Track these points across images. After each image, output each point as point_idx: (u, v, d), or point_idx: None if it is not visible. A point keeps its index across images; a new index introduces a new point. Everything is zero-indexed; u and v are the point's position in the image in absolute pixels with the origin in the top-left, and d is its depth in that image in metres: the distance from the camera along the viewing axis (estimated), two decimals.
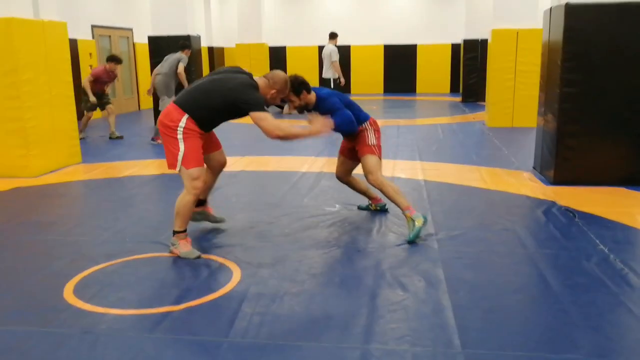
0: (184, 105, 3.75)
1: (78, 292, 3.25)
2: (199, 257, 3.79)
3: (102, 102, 9.31)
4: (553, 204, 4.94)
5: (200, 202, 4.27)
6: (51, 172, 6.56)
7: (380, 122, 8.76)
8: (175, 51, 9.08)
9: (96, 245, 4.05)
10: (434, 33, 18.57)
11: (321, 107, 4.26)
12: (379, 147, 4.43)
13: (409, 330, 2.77)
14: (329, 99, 4.28)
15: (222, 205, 5.15)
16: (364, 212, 4.80)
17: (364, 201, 4.91)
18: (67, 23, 6.99)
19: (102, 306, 3.06)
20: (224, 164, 4.25)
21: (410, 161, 7.03)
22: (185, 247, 3.83)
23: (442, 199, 5.22)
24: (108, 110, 9.41)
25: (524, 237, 4.10)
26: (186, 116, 3.71)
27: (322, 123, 3.85)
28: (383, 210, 4.78)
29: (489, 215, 4.74)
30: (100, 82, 9.18)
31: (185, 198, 3.82)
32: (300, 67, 19.04)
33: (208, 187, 4.29)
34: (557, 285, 3.27)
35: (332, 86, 11.05)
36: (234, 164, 7.06)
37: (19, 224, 4.61)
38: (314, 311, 3.02)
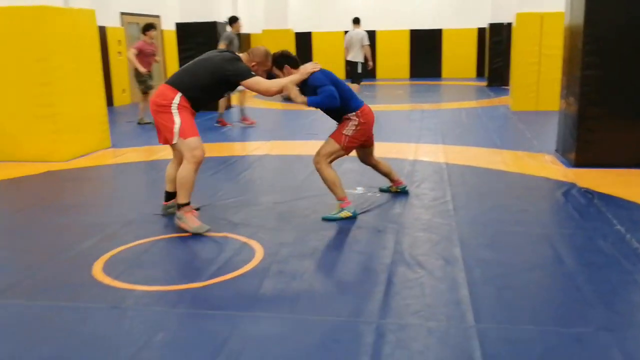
0: (178, 85, 3.96)
1: (106, 269, 3.40)
2: (208, 230, 3.94)
3: (148, 84, 9.33)
4: (573, 185, 4.95)
5: (171, 196, 4.36)
6: (81, 156, 6.77)
7: (405, 107, 8.85)
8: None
9: (124, 225, 4.20)
10: (460, 17, 18.37)
11: (307, 82, 4.20)
12: (354, 139, 4.30)
13: (424, 305, 2.85)
14: (314, 76, 4.18)
15: (246, 187, 5.28)
16: (386, 194, 4.87)
17: (386, 183, 4.98)
18: (96, 11, 7.17)
19: (129, 283, 3.20)
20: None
21: (433, 145, 7.06)
22: (193, 222, 3.96)
23: (463, 181, 5.26)
24: (149, 95, 9.52)
25: (542, 218, 4.14)
26: (179, 94, 3.93)
27: (297, 77, 4.12)
28: (404, 192, 4.85)
29: (508, 196, 4.77)
30: (145, 54, 9.20)
31: (186, 168, 3.95)
32: (326, 52, 19.08)
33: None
34: (571, 263, 3.32)
35: (359, 70, 11.06)
36: (258, 148, 7.19)
37: (51, 206, 4.80)
38: (332, 288, 3.12)
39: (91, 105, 7.03)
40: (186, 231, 3.98)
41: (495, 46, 14.72)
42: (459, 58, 18.49)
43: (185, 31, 10.85)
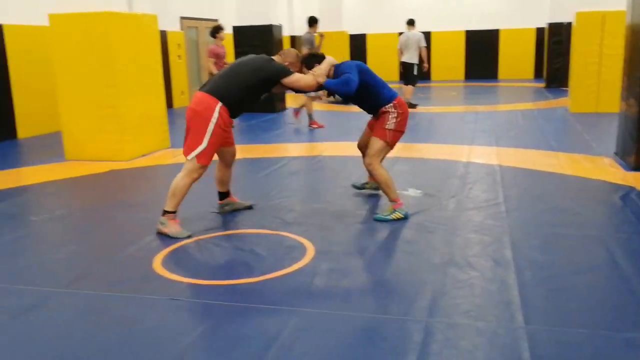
0: (217, 93, 3.96)
1: (165, 264, 3.56)
2: (189, 236, 3.99)
3: None
4: (632, 189, 4.81)
5: (224, 195, 4.54)
6: (142, 156, 7.05)
7: (459, 109, 8.78)
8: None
9: (183, 222, 4.37)
10: (518, 17, 17.99)
11: (337, 73, 4.25)
12: (397, 132, 4.31)
13: (473, 306, 2.87)
14: (343, 64, 4.24)
15: (299, 188, 5.39)
16: (438, 196, 4.86)
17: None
18: (158, 15, 7.45)
19: (186, 277, 3.34)
20: (234, 156, 4.47)
21: (487, 147, 6.98)
22: (175, 227, 4.02)
23: (516, 183, 5.20)
24: None
25: (597, 221, 4.06)
26: (219, 104, 3.93)
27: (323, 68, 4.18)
28: (376, 189, 4.88)
29: (563, 199, 4.68)
30: (220, 57, 9.27)
31: (183, 180, 4.00)
32: (381, 54, 19.06)
33: (227, 179, 4.51)
34: (627, 267, 3.25)
35: (415, 72, 11.01)
36: (312, 148, 7.30)
37: (114, 203, 5.04)
38: (382, 286, 3.17)
39: (152, 107, 7.31)
40: (245, 229, 4.12)
41: (554, 46, 14.36)
42: (516, 59, 18.11)
43: (242, 34, 11.11)
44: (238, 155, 7.12)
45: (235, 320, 2.81)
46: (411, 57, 11.00)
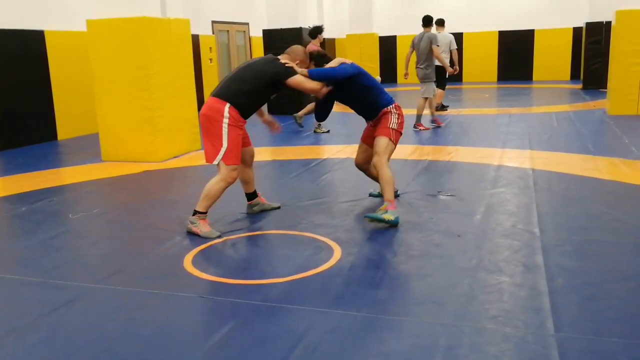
0: (224, 96, 3.98)
1: (196, 262, 3.62)
2: (219, 236, 4.03)
3: None
4: None
5: (252, 195, 4.58)
6: (174, 157, 7.17)
7: (491, 111, 8.68)
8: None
9: (213, 222, 4.43)
10: (554, 17, 17.68)
11: None
12: (399, 132, 4.41)
13: (502, 311, 2.83)
14: (343, 65, 4.28)
15: (326, 189, 5.41)
16: (468, 199, 4.83)
17: (377, 188, 4.98)
18: (190, 20, 7.57)
19: (216, 275, 3.40)
20: (253, 156, 4.49)
21: (520, 150, 6.89)
22: (205, 227, 4.07)
23: (550, 187, 5.12)
24: None
25: (636, 227, 3.96)
26: (228, 105, 3.95)
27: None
28: (396, 196, 4.84)
29: (598, 204, 4.59)
30: None
31: (218, 184, 4.02)
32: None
33: (250, 179, 4.51)
34: None
35: (447, 75, 10.90)
36: (340, 151, 7.31)
37: (148, 202, 5.15)
38: (409, 289, 3.16)
39: (184, 110, 7.43)
40: (276, 230, 4.15)
41: (592, 46, 14.06)
42: (551, 60, 17.80)
43: (272, 37, 11.20)
44: (269, 157, 7.24)
45: (261, 319, 2.84)
46: (439, 60, 10.90)
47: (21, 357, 2.55)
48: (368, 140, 4.65)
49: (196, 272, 3.45)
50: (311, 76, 4.12)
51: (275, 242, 4.02)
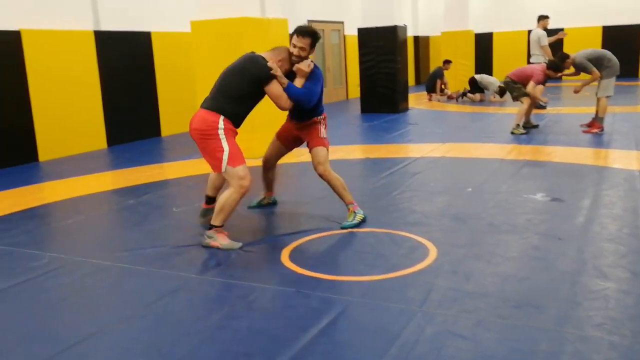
0: (216, 107, 3.84)
1: (292, 257, 3.72)
2: (241, 247, 3.90)
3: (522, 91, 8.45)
4: None
5: (211, 200, 4.38)
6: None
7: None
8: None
9: (308, 218, 4.54)
10: None
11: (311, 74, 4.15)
12: (327, 140, 4.38)
13: (608, 319, 2.72)
14: (316, 70, 4.13)
15: (420, 188, 5.37)
16: (569, 201, 4.64)
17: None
18: (288, 19, 7.75)
19: (311, 271, 3.47)
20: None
21: (625, 150, 6.52)
22: (225, 240, 3.91)
23: None
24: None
25: None
26: (221, 117, 3.81)
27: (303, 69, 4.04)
28: (274, 203, 4.87)
29: None
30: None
31: (232, 197, 3.84)
32: (507, 53, 18.38)
33: (220, 185, 4.36)
34: None
35: None
36: (434, 150, 7.23)
37: (246, 197, 5.31)
38: (507, 292, 3.09)
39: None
40: (361, 228, 4.19)
41: None
42: None
43: (366, 36, 11.23)
44: (362, 155, 7.28)
45: (356, 315, 2.88)
46: (535, 57, 10.67)
47: (128, 343, 2.72)
48: (285, 139, 4.60)
49: (293, 267, 3.55)
50: (288, 93, 3.98)
51: (369, 240, 4.05)
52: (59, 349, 2.65)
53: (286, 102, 4.00)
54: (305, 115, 4.32)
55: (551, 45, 10.77)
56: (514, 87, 8.30)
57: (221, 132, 3.81)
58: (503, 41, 18.77)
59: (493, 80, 13.15)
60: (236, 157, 3.83)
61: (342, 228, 4.24)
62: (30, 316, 3.04)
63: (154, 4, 9.40)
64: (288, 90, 3.97)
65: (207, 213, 4.36)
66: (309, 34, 4.05)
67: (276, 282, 3.35)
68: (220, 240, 3.91)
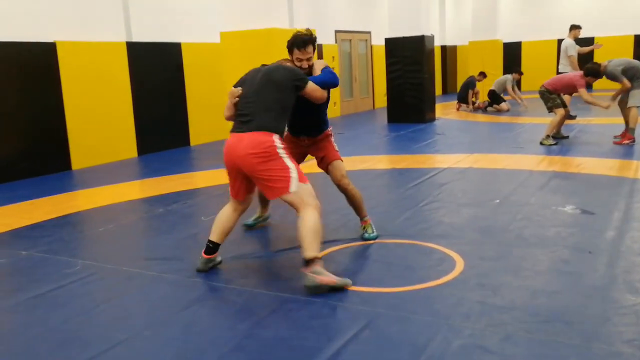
0: (265, 127, 3.55)
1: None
2: (351, 282, 3.42)
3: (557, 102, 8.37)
4: None
5: (216, 248, 3.79)
6: (306, 161, 7.40)
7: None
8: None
9: (334, 229, 4.56)
10: None
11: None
12: None
13: (639, 334, 2.67)
14: (326, 68, 4.04)
15: (447, 200, 5.35)
16: (599, 214, 4.57)
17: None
18: (316, 30, 7.83)
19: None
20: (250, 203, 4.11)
21: None
22: (331, 276, 3.35)
23: None
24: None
25: None
26: (275, 136, 3.55)
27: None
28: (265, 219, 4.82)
29: None
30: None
31: (314, 216, 3.41)
32: (536, 63, 18.19)
33: (230, 230, 3.88)
34: None
35: None
36: (461, 160, 7.20)
37: (275, 207, 5.35)
38: (535, 306, 3.06)
39: None
40: (398, 239, 4.19)
41: None
42: None
43: (393, 45, 11.25)
44: (388, 165, 7.28)
45: (383, 327, 2.89)
46: (563, 67, 10.64)
47: (158, 350, 2.77)
48: (297, 158, 4.18)
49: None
50: (316, 82, 3.82)
51: (396, 251, 4.05)
52: (92, 354, 2.71)
53: (322, 92, 3.84)
54: (317, 129, 4.23)
55: (582, 55, 10.67)
56: (549, 98, 8.20)
57: (281, 151, 3.51)
58: (532, 51, 18.59)
59: (503, 80, 13.13)
60: (301, 174, 3.55)
61: (366, 239, 4.25)
62: (65, 321, 3.12)
63: (184, 15, 9.57)
64: (314, 80, 3.83)
65: (207, 264, 3.76)
66: (308, 42, 3.91)
67: (303, 292, 3.37)
68: (329, 275, 3.34)
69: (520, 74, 13.74)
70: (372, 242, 4.21)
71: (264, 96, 3.62)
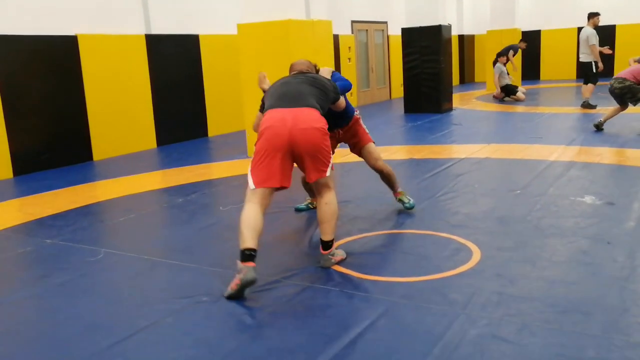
0: (316, 106, 3.52)
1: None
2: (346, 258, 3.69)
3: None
4: None
5: (253, 254, 3.28)
6: None
7: None
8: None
9: (352, 219, 4.59)
10: None
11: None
12: None
13: None
14: (335, 73, 4.23)
15: (464, 190, 5.35)
16: (620, 204, 4.55)
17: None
18: (332, 20, 7.83)
19: (355, 271, 3.52)
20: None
21: None
22: (339, 253, 3.66)
23: None
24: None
25: None
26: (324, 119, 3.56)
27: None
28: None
29: None
30: None
31: (334, 197, 3.55)
32: (555, 51, 17.96)
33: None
34: None
35: (594, 70, 10.39)
36: (479, 151, 7.17)
37: (292, 197, 5.38)
38: (553, 296, 3.06)
39: None
40: (416, 230, 4.21)
41: None
42: None
43: (410, 35, 11.19)
44: (405, 155, 7.28)
45: (399, 316, 2.92)
46: (584, 56, 10.51)
47: (178, 337, 2.83)
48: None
49: (337, 267, 3.59)
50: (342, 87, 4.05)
51: (413, 241, 4.07)
52: (116, 340, 2.79)
53: (344, 103, 4.11)
54: (346, 118, 4.41)
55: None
56: (637, 89, 7.87)
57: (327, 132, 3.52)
58: (551, 39, 18.35)
59: (498, 71, 13.08)
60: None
61: (409, 208, 4.62)
62: (89, 308, 3.20)
63: (202, 7, 9.63)
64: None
65: (255, 271, 3.19)
66: None
67: (320, 281, 3.41)
68: (339, 252, 3.66)
69: (525, 42, 14.22)
70: (388, 232, 4.24)
71: (308, 90, 3.57)
